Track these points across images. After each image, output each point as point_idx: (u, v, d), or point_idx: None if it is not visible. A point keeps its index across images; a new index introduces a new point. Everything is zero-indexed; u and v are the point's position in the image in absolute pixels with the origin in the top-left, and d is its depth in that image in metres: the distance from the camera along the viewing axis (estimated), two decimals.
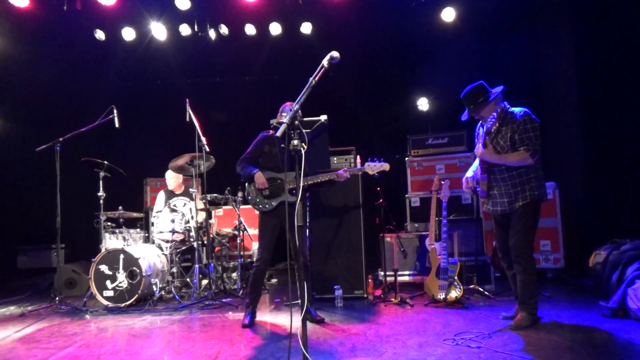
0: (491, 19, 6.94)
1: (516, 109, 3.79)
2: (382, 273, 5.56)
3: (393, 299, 4.89)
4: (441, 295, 4.66)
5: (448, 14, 6.99)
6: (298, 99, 2.52)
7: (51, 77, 7.62)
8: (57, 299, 5.24)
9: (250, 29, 7.54)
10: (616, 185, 5.57)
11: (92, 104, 6.10)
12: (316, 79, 2.55)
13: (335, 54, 2.65)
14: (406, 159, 6.66)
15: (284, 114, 4.07)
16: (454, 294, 4.59)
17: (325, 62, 2.62)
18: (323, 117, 2.63)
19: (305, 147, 2.37)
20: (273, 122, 2.78)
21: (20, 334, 4.27)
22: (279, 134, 2.40)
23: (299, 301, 2.59)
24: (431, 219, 5.09)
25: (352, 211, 5.18)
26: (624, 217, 5.47)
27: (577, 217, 5.92)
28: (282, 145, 2.42)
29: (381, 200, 5.16)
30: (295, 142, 2.37)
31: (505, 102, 3.89)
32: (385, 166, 4.35)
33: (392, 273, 5.24)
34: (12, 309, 5.41)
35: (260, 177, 4.14)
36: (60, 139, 5.37)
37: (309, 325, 3.98)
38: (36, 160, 5.66)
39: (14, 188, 7.89)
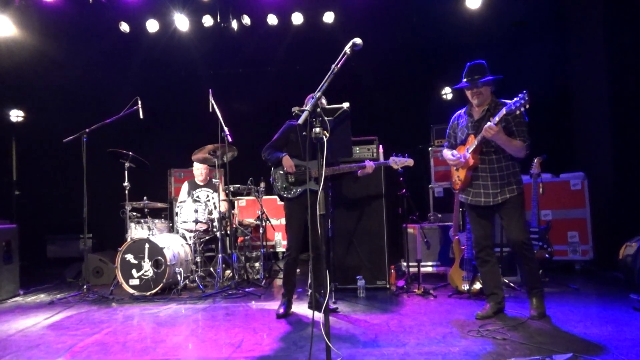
0: (517, 13, 6.76)
1: (507, 101, 3.60)
2: (404, 264, 5.52)
3: (416, 290, 4.85)
4: (465, 287, 4.60)
5: (473, 2, 6.82)
6: (320, 86, 2.49)
7: (77, 70, 7.76)
8: (84, 287, 5.37)
9: (272, 19, 7.51)
10: None
11: (117, 96, 6.17)
12: (339, 65, 2.52)
13: (357, 40, 2.62)
14: (429, 148, 6.58)
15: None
16: (478, 285, 4.52)
17: (347, 49, 2.59)
18: (345, 105, 2.59)
19: (327, 134, 2.35)
20: (295, 109, 2.76)
21: (49, 321, 4.38)
22: (300, 121, 2.38)
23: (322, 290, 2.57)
24: (455, 210, 5.01)
25: (374, 201, 5.14)
26: None
27: (607, 209, 5.76)
28: (304, 133, 2.39)
29: (404, 190, 5.11)
30: (317, 129, 2.35)
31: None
32: (409, 162, 4.33)
33: (415, 264, 5.20)
34: (42, 297, 5.55)
35: (288, 160, 4.12)
36: (87, 130, 5.47)
37: (332, 315, 3.99)
38: (64, 151, 5.76)
39: (43, 179, 8.08)
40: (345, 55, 2.57)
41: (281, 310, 4.15)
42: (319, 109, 2.38)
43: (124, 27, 7.43)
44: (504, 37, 7.01)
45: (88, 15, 7.10)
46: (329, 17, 7.46)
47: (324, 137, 2.34)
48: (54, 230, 8.01)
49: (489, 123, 3.60)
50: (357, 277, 4.92)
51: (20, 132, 7.77)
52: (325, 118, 2.41)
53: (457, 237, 4.83)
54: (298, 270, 6.50)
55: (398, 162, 4.33)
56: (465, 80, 3.82)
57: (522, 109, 3.46)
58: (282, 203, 4.32)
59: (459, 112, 4.05)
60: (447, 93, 7.66)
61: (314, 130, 2.33)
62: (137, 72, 7.85)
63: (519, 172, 3.80)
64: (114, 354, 3.32)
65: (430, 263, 5.69)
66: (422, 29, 7.32)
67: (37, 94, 7.89)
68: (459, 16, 6.99)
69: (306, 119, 2.37)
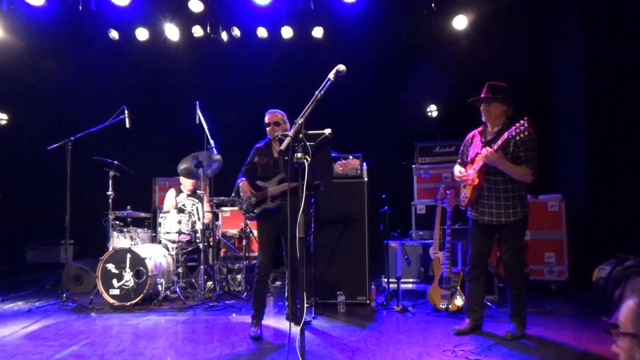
0: (500, 23, 6.91)
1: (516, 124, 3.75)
2: (385, 280, 5.58)
3: (395, 307, 4.92)
4: (443, 305, 4.67)
5: (460, 22, 6.97)
6: (303, 112, 2.56)
7: (64, 75, 7.73)
8: (64, 295, 5.34)
9: (262, 32, 7.58)
10: (623, 199, 5.54)
11: (104, 103, 6.17)
12: (322, 92, 2.59)
13: (341, 67, 2.69)
14: (413, 166, 6.68)
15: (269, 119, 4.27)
16: (456, 303, 4.60)
17: (331, 75, 2.66)
18: (327, 131, 2.67)
19: (309, 159, 2.42)
20: (278, 134, 2.82)
21: (27, 330, 4.36)
22: (283, 147, 2.44)
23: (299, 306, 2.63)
24: (436, 228, 5.10)
25: (356, 217, 5.21)
26: (631, 231, 5.44)
27: (583, 231, 5.90)
28: (287, 157, 2.46)
29: (386, 207, 5.19)
30: (299, 154, 2.42)
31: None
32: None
33: (395, 280, 5.27)
34: (20, 304, 5.51)
35: (244, 185, 4.26)
36: (72, 138, 5.47)
37: (297, 328, 4.02)
38: (48, 158, 5.74)
39: (26, 184, 8.01)
40: (329, 82, 2.64)
41: (253, 332, 4.05)
42: (301, 135, 2.45)
43: (113, 34, 7.43)
44: (487, 49, 7.14)
45: (77, 22, 7.09)
46: (318, 32, 7.56)
47: (305, 161, 2.41)
48: (34, 235, 7.93)
49: (488, 148, 3.72)
50: (338, 292, 4.97)
51: (3, 135, 7.70)
52: (307, 143, 2.48)
53: (437, 255, 4.91)
54: (279, 282, 6.58)
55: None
56: (483, 96, 3.95)
57: (522, 135, 3.57)
58: None
59: (475, 131, 4.14)
60: (432, 110, 7.79)
61: (295, 155, 2.40)
62: (125, 80, 7.85)
63: (524, 195, 3.88)
64: None
65: (410, 280, 5.76)
66: (409, 46, 7.45)
67: (23, 97, 7.84)
68: (446, 35, 7.13)
69: (289, 144, 2.44)
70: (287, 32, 7.57)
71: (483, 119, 4.01)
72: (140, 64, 7.77)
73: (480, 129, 4.10)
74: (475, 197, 3.95)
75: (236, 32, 7.58)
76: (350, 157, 4.96)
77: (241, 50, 7.77)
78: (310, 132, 2.60)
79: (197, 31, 7.50)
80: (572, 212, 5.91)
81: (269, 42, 7.69)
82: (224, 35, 7.56)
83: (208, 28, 7.51)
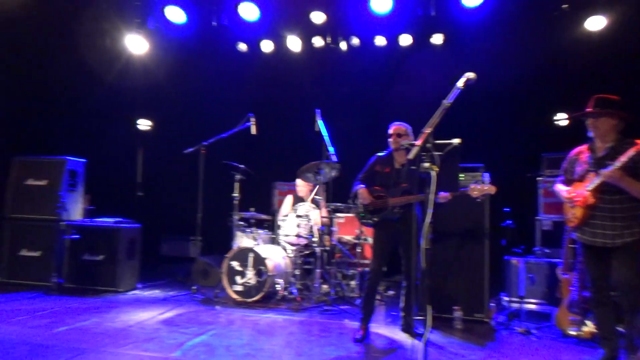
0: None
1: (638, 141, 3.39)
2: (506, 298, 5.29)
3: (517, 328, 4.63)
4: (573, 331, 4.30)
5: (594, 23, 6.39)
6: (430, 121, 2.53)
7: (198, 86, 8.45)
8: (193, 287, 5.81)
9: (380, 40, 7.63)
10: None
11: (232, 111, 6.62)
12: (450, 101, 2.54)
13: (471, 75, 2.62)
14: (538, 178, 6.25)
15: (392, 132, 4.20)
16: (587, 330, 4.21)
17: (460, 83, 2.60)
18: (456, 141, 2.61)
19: (437, 169, 2.38)
20: (405, 143, 2.82)
21: (163, 316, 4.81)
22: (410, 155, 2.44)
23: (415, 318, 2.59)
24: (565, 246, 4.72)
25: (476, 230, 4.99)
26: None
27: None
28: (413, 167, 2.45)
29: (509, 221, 4.92)
30: (426, 164, 2.39)
31: None
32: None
33: (517, 300, 4.97)
34: (157, 292, 6.09)
35: (364, 192, 4.31)
36: (204, 142, 5.96)
37: (412, 340, 3.94)
38: (184, 159, 6.29)
39: (164, 184, 8.87)
40: (458, 90, 2.58)
41: (358, 336, 4.16)
42: (428, 144, 2.42)
43: (241, 47, 7.97)
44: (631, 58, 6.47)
45: (210, 36, 7.71)
46: (437, 39, 7.42)
47: (432, 171, 2.37)
48: (168, 230, 8.75)
49: (610, 167, 3.41)
50: (454, 307, 4.80)
51: (146, 140, 8.61)
52: (435, 153, 2.45)
53: (566, 276, 4.54)
54: (392, 292, 6.52)
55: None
56: (590, 110, 3.64)
57: None
58: None
59: (580, 147, 3.83)
60: (561, 119, 7.23)
61: (422, 164, 2.38)
62: (250, 89, 8.36)
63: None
64: (218, 356, 3.58)
65: (533, 300, 5.38)
66: (537, 51, 7.00)
67: (164, 107, 8.71)
68: (578, 39, 6.59)
69: (417, 154, 2.42)
70: (405, 39, 7.54)
71: (590, 134, 3.65)
72: (265, 74, 8.22)
73: (587, 145, 3.74)
74: (586, 217, 3.60)
75: (355, 41, 7.71)
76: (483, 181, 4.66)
77: (359, 59, 7.89)
78: (438, 141, 2.56)
79: (318, 42, 7.76)
80: None
81: (386, 50, 7.71)
82: (343, 45, 7.74)
83: (328, 38, 7.74)
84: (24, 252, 6.18)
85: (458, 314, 4.74)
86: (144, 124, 8.51)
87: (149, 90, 8.51)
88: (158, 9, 7.30)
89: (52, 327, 4.16)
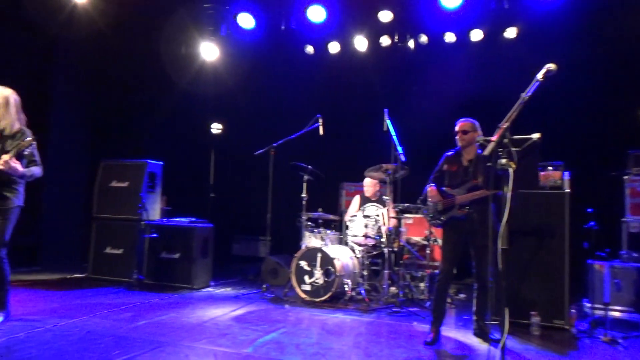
0: None
1: None
2: (588, 305, 4.96)
3: (602, 336, 4.32)
4: None
5: None
6: (508, 115, 2.42)
7: (267, 89, 8.65)
8: (263, 286, 5.94)
9: (449, 37, 7.44)
10: None
11: (300, 113, 6.71)
12: (529, 94, 2.42)
13: (551, 66, 2.48)
14: (625, 177, 5.82)
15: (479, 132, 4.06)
16: None
17: (540, 75, 2.47)
18: (535, 136, 2.47)
19: (514, 166, 2.27)
20: (480, 139, 2.72)
21: (235, 313, 4.95)
22: (486, 152, 2.34)
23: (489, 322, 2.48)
24: None
25: (555, 232, 4.71)
26: None
27: None
28: (489, 163, 2.35)
29: (592, 223, 4.61)
30: (504, 160, 2.28)
31: None
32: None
33: (602, 306, 4.64)
34: (229, 290, 6.29)
35: (432, 191, 4.26)
36: (274, 144, 6.08)
37: (486, 345, 3.78)
38: (254, 161, 6.45)
39: (235, 185, 9.14)
40: (537, 83, 2.45)
41: (429, 339, 4.07)
42: (506, 140, 2.31)
43: (309, 49, 8.07)
44: None
45: (279, 40, 7.88)
46: (511, 33, 7.12)
47: (510, 168, 2.26)
48: (239, 230, 9.01)
49: None
50: (531, 312, 4.56)
51: (218, 143, 8.91)
52: (513, 149, 2.33)
53: None
54: (463, 295, 6.32)
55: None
56: None
57: None
58: None
59: None
60: None
61: (499, 161, 2.28)
62: (317, 91, 8.43)
63: None
64: (289, 354, 3.63)
65: (619, 307, 5.00)
66: (617, 40, 6.52)
67: (235, 109, 8.99)
68: None
69: (493, 150, 2.32)
70: (476, 34, 7.31)
71: None
72: (332, 75, 8.27)
73: None
74: None
75: (423, 38, 7.58)
76: (550, 168, 4.51)
77: (428, 57, 7.75)
78: (516, 136, 2.44)
79: (385, 41, 7.70)
80: None
81: (456, 47, 7.52)
82: (411, 43, 7.63)
83: (396, 37, 7.65)
84: (108, 250, 6.59)
85: (535, 319, 4.50)
86: (216, 128, 8.82)
87: (220, 94, 8.83)
88: (231, 16, 7.57)
89: (134, 321, 4.40)
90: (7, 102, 4.05)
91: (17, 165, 3.95)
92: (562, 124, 6.85)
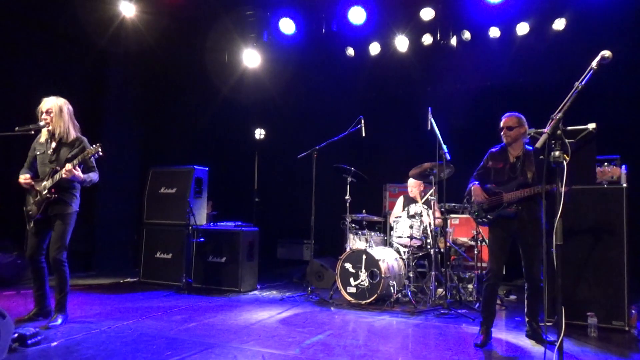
0: None
1: None
2: None
3: None
4: None
5: None
6: (562, 105, 2.31)
7: (309, 92, 8.69)
8: (309, 289, 5.94)
9: (494, 32, 7.25)
10: None
11: (342, 114, 6.70)
12: (583, 83, 2.30)
13: (606, 53, 2.36)
14: None
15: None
16: None
17: (594, 63, 2.35)
18: (591, 126, 2.35)
19: (568, 158, 2.16)
20: (531, 131, 2.60)
21: (281, 315, 4.98)
22: (538, 144, 2.24)
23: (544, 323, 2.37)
24: None
25: (612, 228, 4.47)
26: None
27: None
28: (542, 156, 2.25)
29: None
30: (557, 153, 2.17)
31: None
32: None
33: None
34: (274, 293, 6.33)
35: (476, 189, 4.13)
36: (317, 147, 6.09)
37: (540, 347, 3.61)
38: (297, 164, 6.48)
39: (278, 189, 9.25)
40: (592, 71, 2.33)
41: (479, 341, 3.95)
42: (559, 131, 2.21)
43: (350, 51, 8.06)
44: None
45: (319, 43, 7.90)
46: (559, 24, 6.86)
47: (563, 161, 2.16)
48: (283, 234, 9.09)
49: None
50: (588, 313, 4.35)
51: (262, 148, 9.04)
52: (566, 140, 2.22)
53: None
54: (514, 296, 6.11)
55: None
56: None
57: None
58: None
59: None
60: None
61: (552, 154, 2.17)
62: (359, 92, 8.41)
63: None
64: (336, 355, 3.60)
65: None
66: None
67: (278, 114, 9.09)
68: None
69: (544, 142, 2.22)
70: (522, 28, 7.09)
71: None
72: (373, 76, 8.22)
73: None
74: None
75: (466, 35, 7.42)
76: (606, 164, 4.29)
77: (471, 54, 7.58)
78: (570, 127, 2.33)
79: (427, 39, 7.58)
80: None
81: (500, 42, 7.31)
82: (453, 40, 7.47)
83: (438, 35, 7.52)
84: (158, 255, 6.78)
85: (592, 320, 4.28)
86: (259, 133, 8.95)
87: (263, 99, 8.95)
88: (273, 22, 7.67)
89: (184, 323, 4.49)
90: (61, 111, 4.27)
91: (79, 172, 4.18)
92: (617, 115, 6.53)
